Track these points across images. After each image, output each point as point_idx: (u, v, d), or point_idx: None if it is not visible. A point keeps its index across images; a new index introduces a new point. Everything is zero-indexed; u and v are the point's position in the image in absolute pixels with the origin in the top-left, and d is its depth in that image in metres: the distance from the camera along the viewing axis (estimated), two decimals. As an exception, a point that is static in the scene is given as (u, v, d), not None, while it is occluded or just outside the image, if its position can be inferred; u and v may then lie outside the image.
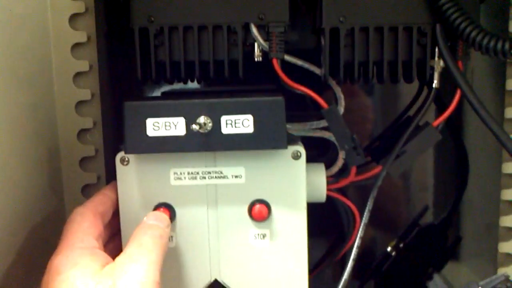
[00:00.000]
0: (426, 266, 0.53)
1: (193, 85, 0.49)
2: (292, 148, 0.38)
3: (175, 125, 0.35)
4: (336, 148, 0.42)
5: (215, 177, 0.38)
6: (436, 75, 0.41)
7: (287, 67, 0.41)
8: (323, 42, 0.40)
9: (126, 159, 0.38)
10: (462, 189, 0.51)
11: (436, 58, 0.40)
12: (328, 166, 0.43)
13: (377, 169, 0.43)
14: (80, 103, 0.45)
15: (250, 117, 0.35)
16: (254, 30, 0.39)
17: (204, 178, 0.38)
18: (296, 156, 0.38)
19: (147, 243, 0.34)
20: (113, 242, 0.40)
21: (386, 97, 0.53)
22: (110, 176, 0.46)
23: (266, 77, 0.45)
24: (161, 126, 0.35)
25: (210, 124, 0.35)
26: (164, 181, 0.37)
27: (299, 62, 0.41)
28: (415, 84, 0.43)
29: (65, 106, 0.45)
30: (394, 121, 0.48)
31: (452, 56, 0.39)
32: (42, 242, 0.40)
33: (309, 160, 0.39)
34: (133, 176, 0.38)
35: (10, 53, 0.37)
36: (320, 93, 0.40)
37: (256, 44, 0.40)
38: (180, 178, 0.37)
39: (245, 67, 0.41)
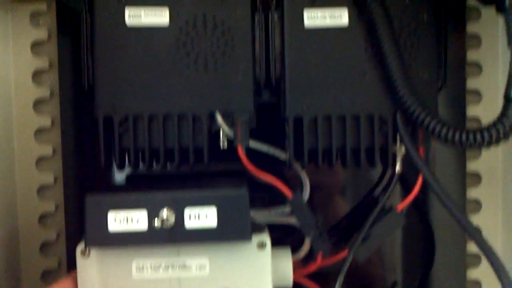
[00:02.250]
0: None
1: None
2: (257, 238, 0.37)
3: (137, 220, 0.34)
4: (303, 230, 0.42)
5: (178, 268, 0.37)
6: (398, 160, 0.42)
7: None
8: (287, 130, 0.40)
9: (87, 251, 0.37)
10: (429, 268, 0.51)
11: (398, 145, 0.41)
12: (296, 247, 0.43)
13: (344, 253, 0.42)
14: (42, 187, 0.44)
15: (213, 209, 0.35)
16: (219, 118, 0.40)
17: (167, 270, 0.37)
18: (261, 246, 0.37)
19: None
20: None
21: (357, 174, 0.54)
22: (72, 262, 0.45)
23: (233, 157, 0.46)
24: (123, 220, 0.34)
25: (173, 219, 0.34)
26: (126, 274, 0.36)
27: (264, 148, 0.41)
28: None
29: (27, 190, 0.44)
30: (361, 201, 0.49)
31: (413, 142, 0.40)
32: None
33: (276, 241, 0.39)
34: (93, 269, 0.37)
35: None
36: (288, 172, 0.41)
37: (221, 132, 0.40)
38: (142, 271, 0.36)
39: (212, 149, 0.41)
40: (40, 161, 0.44)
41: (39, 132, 0.43)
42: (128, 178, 0.47)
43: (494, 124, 0.36)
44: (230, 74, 0.40)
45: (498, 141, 0.36)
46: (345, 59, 0.39)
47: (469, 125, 0.46)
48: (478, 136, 0.36)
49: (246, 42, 0.40)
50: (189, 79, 0.39)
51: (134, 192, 0.36)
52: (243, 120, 0.40)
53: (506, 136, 0.36)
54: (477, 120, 0.46)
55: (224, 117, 0.40)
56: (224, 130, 0.40)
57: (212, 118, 0.40)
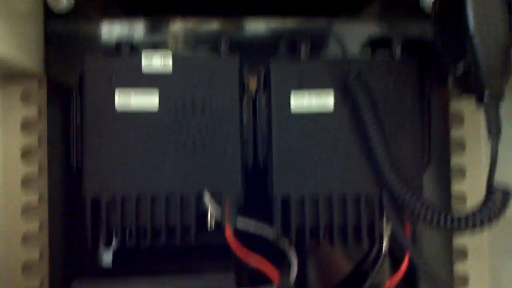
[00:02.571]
0: None
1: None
2: (244, 324, 0.37)
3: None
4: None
5: None
6: (385, 239, 0.42)
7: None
8: (274, 209, 0.41)
9: (71, 338, 0.36)
10: None
11: (384, 224, 0.41)
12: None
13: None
14: (27, 264, 0.44)
15: (200, 295, 0.35)
16: (207, 199, 0.40)
17: None
18: (248, 331, 0.37)
19: None
20: None
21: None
22: None
23: (221, 232, 0.46)
24: (109, 309, 0.34)
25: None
26: None
27: (251, 228, 0.41)
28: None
29: (12, 267, 0.43)
30: (350, 274, 0.49)
31: (398, 222, 0.41)
32: None
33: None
34: None
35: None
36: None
37: (209, 213, 0.40)
38: None
39: (200, 226, 0.41)
40: (26, 237, 0.43)
41: (26, 209, 0.43)
42: (116, 253, 0.46)
43: (479, 209, 0.37)
44: (218, 154, 0.40)
45: (482, 225, 0.37)
46: (331, 141, 0.40)
47: (455, 202, 0.47)
48: (463, 222, 0.36)
49: (234, 123, 0.40)
50: (177, 160, 0.40)
51: (121, 278, 0.36)
52: (231, 200, 0.40)
53: (490, 221, 0.37)
54: (462, 197, 0.46)
55: (212, 197, 0.40)
56: (212, 210, 0.40)
57: (200, 197, 0.40)
